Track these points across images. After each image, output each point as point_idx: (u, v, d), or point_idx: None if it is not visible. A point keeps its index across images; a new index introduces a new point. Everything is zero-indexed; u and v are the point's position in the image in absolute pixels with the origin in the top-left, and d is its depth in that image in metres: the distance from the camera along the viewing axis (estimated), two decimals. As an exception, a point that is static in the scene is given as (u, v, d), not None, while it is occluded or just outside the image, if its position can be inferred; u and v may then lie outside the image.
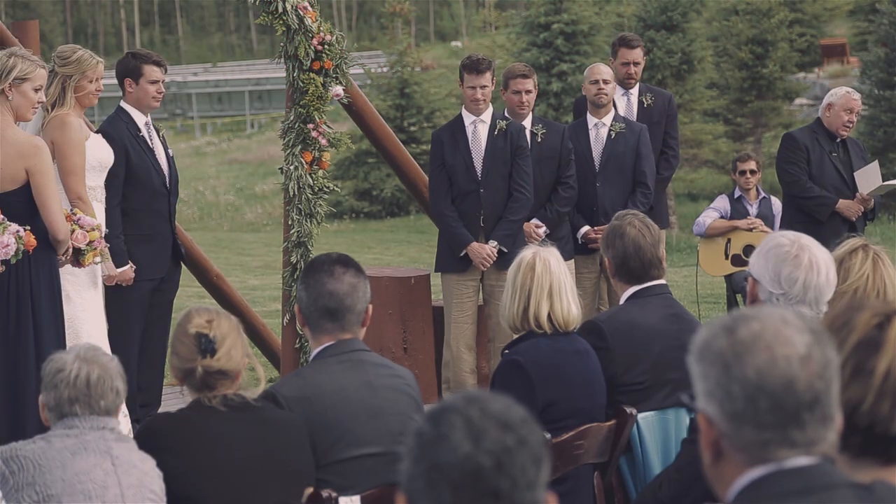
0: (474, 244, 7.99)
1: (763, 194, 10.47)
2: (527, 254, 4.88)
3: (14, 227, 5.98)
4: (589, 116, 8.59)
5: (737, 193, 10.49)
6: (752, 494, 2.20)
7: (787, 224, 8.67)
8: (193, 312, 4.07)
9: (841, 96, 8.85)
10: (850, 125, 8.80)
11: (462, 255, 8.01)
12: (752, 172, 10.39)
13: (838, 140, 8.80)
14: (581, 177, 8.41)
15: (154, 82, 7.32)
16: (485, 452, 2.03)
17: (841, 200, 8.66)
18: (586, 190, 8.45)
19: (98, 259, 6.42)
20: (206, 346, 3.97)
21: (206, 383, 4.00)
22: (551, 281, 4.81)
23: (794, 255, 3.96)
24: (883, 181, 8.72)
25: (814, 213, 8.66)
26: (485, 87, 8.08)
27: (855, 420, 2.37)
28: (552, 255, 4.88)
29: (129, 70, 7.31)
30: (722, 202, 10.56)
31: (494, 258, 7.94)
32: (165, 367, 7.82)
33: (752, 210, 10.40)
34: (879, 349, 2.42)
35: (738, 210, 10.41)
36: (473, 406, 2.08)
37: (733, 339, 2.22)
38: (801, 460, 2.21)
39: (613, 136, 8.50)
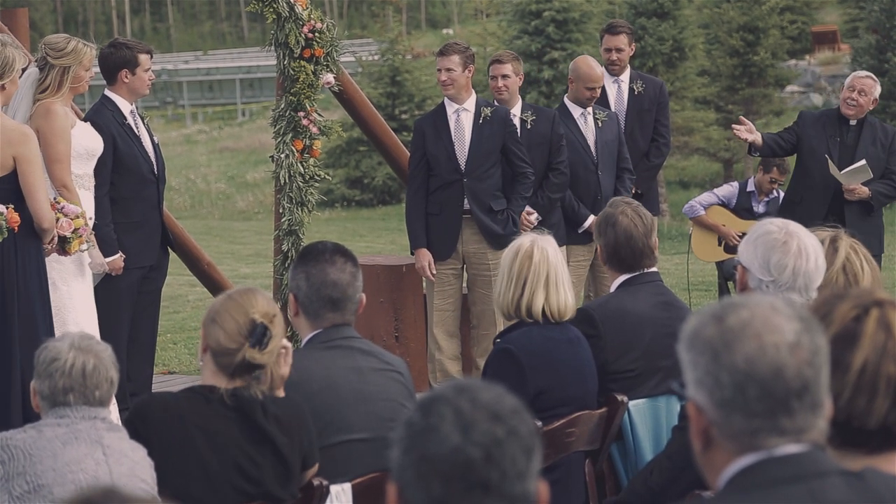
0: (423, 250, 8.01)
1: (775, 194, 10.31)
2: (524, 241, 4.86)
3: None
4: (572, 105, 8.53)
5: (750, 187, 10.33)
6: (742, 482, 2.20)
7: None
8: (259, 296, 3.90)
9: (850, 76, 8.90)
10: (851, 102, 8.64)
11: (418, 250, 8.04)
12: (779, 184, 10.26)
13: (852, 123, 8.69)
14: (581, 166, 8.40)
15: (147, 70, 7.34)
16: (474, 444, 2.03)
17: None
18: (588, 179, 8.43)
19: (84, 246, 6.41)
20: (261, 338, 3.83)
21: (238, 370, 3.88)
22: (548, 271, 4.79)
23: (782, 242, 3.96)
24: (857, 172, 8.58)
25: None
26: (450, 69, 8.03)
27: (832, 414, 2.36)
28: (550, 243, 4.87)
29: (125, 61, 7.29)
30: (729, 189, 10.41)
31: (433, 274, 8.01)
32: (155, 355, 7.81)
33: (759, 208, 10.27)
34: (856, 343, 2.41)
35: (742, 203, 10.28)
36: (464, 396, 2.07)
37: (722, 326, 2.22)
38: (792, 448, 2.21)
39: (601, 124, 8.49)
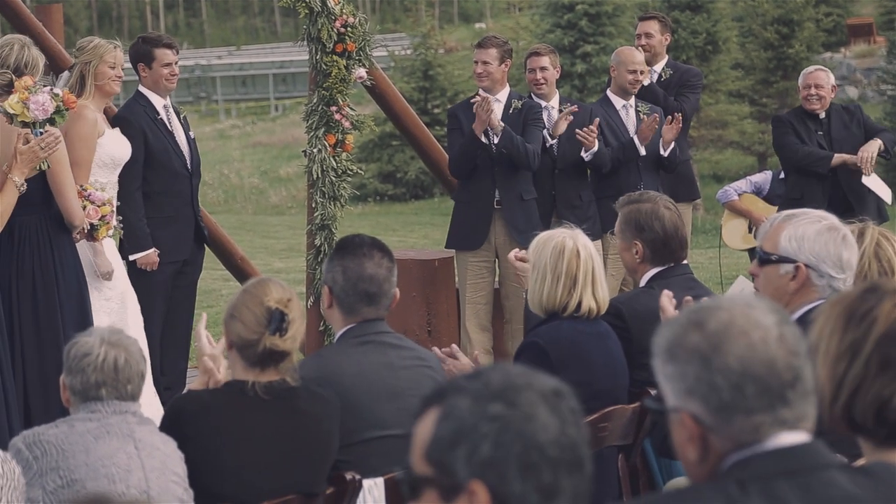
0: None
1: None
2: (565, 238, 4.80)
3: (47, 87, 6.06)
4: (615, 97, 8.52)
5: (782, 174, 10.32)
6: (738, 474, 2.18)
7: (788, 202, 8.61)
8: (271, 284, 3.93)
9: (801, 74, 8.94)
10: (814, 97, 8.69)
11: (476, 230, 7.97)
12: None
13: (822, 117, 8.73)
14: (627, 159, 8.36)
15: (167, 65, 7.32)
16: (571, 424, 2.04)
17: (836, 155, 8.59)
18: (628, 167, 8.34)
19: (111, 232, 6.51)
20: (280, 324, 3.85)
21: (263, 360, 3.90)
22: (594, 268, 4.79)
23: (842, 237, 3.93)
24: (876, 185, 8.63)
25: (816, 169, 8.66)
26: (486, 62, 8.04)
27: (885, 415, 2.33)
28: (586, 238, 4.87)
29: (141, 55, 7.34)
30: (763, 177, 10.37)
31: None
32: (190, 349, 7.84)
33: None
34: None
35: (775, 189, 10.21)
36: (532, 382, 2.05)
37: (705, 331, 2.21)
38: (789, 438, 2.19)
39: (643, 116, 8.45)
